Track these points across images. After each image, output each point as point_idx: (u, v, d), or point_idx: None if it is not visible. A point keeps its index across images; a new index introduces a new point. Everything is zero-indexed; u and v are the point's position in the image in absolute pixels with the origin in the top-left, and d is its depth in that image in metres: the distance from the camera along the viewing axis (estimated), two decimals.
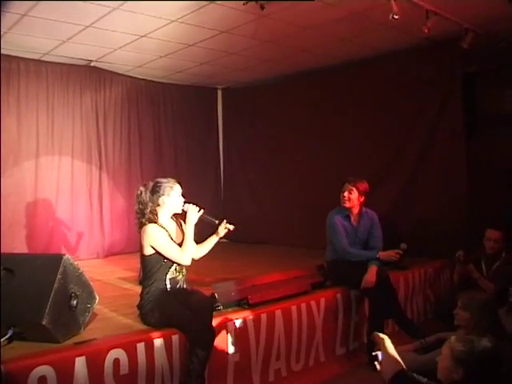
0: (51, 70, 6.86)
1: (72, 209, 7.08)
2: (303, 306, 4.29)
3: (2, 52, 5.89)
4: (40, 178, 6.78)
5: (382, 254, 4.57)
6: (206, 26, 5.53)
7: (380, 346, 2.53)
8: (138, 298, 3.62)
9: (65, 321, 3.18)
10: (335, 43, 6.21)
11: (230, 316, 3.77)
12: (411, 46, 6.18)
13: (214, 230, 3.85)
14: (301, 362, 4.25)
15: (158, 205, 3.58)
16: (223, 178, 9.25)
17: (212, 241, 3.86)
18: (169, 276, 3.56)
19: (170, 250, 3.51)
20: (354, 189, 4.70)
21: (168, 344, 3.35)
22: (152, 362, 3.25)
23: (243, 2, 4.77)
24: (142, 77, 7.85)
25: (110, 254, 7.34)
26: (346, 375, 4.36)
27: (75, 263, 3.40)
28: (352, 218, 4.80)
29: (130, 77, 7.74)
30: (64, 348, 3.05)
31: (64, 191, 7.01)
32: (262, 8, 4.83)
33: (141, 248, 3.55)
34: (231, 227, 3.83)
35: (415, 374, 2.37)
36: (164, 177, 3.75)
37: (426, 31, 5.06)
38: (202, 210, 3.65)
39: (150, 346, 3.26)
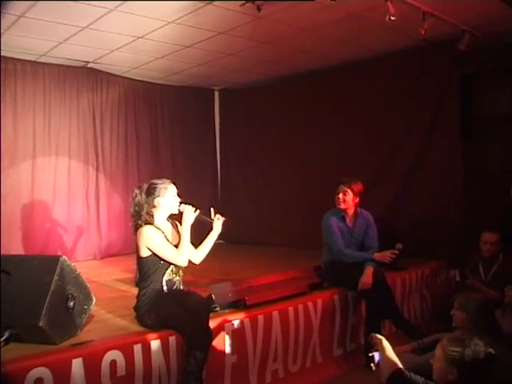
0: (48, 71, 6.86)
1: (69, 210, 7.07)
2: (300, 307, 4.29)
3: None
4: (37, 179, 6.77)
5: (377, 255, 4.58)
6: (203, 28, 5.54)
7: (378, 346, 2.54)
8: (135, 300, 3.62)
9: (62, 322, 3.17)
10: (333, 44, 6.22)
11: (227, 317, 3.77)
12: (408, 48, 6.20)
13: (210, 230, 3.84)
14: (298, 363, 4.25)
15: (154, 206, 3.58)
16: (220, 179, 9.26)
17: (210, 240, 3.83)
18: (165, 278, 3.56)
19: (166, 251, 3.51)
20: (349, 190, 4.71)
21: (165, 345, 3.35)
22: (149, 363, 3.25)
23: (240, 3, 4.77)
24: (138, 78, 7.85)
25: (107, 255, 7.33)
26: (343, 376, 4.36)
27: (72, 264, 3.40)
28: (347, 219, 4.81)
29: (127, 78, 7.74)
30: (61, 349, 3.04)
31: (61, 192, 7.00)
32: (259, 9, 4.84)
33: (137, 250, 3.55)
34: (220, 218, 3.79)
35: (412, 374, 2.38)
36: (161, 178, 3.75)
37: (423, 32, 5.07)
38: (198, 211, 3.64)
39: (146, 348, 3.26)
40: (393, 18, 4.64)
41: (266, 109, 8.41)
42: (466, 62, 6.16)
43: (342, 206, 4.74)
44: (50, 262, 3.25)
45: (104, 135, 7.48)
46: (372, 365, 2.52)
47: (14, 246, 6.39)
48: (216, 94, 9.18)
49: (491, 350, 2.23)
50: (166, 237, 3.56)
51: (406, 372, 2.39)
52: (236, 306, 3.99)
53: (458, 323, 3.33)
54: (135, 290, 3.76)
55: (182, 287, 3.70)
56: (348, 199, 4.72)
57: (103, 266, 6.65)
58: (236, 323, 3.78)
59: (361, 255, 4.69)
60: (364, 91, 6.96)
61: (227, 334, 3.70)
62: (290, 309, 4.21)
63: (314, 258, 5.46)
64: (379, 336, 2.60)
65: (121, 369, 3.10)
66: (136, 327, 3.53)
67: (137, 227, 3.53)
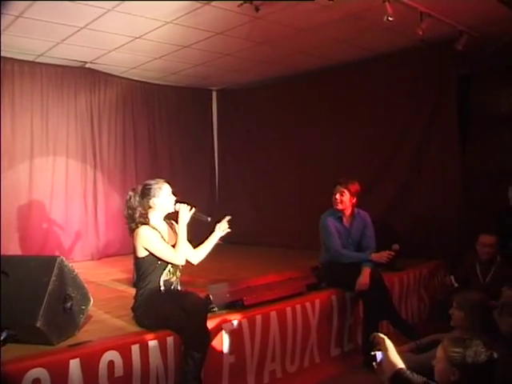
0: (46, 71, 6.86)
1: (66, 210, 7.07)
2: (298, 307, 4.29)
3: None
4: (34, 179, 6.77)
5: (374, 256, 4.58)
6: (200, 28, 5.54)
7: (380, 346, 2.54)
8: (133, 300, 3.61)
9: (59, 323, 3.17)
10: (331, 45, 6.23)
11: (225, 317, 3.76)
12: (406, 48, 6.21)
13: (211, 232, 3.84)
14: (296, 364, 4.25)
15: (150, 207, 3.58)
16: (218, 179, 9.26)
17: (210, 242, 3.82)
18: (163, 278, 3.55)
19: (163, 251, 3.51)
20: (346, 191, 4.71)
21: (163, 346, 3.34)
22: (147, 363, 3.24)
23: (238, 3, 4.77)
24: (136, 78, 7.85)
25: (105, 255, 7.32)
26: (341, 376, 4.36)
27: (70, 265, 3.39)
28: (344, 220, 4.81)
29: (125, 78, 7.74)
30: (58, 350, 3.03)
31: (58, 193, 7.00)
32: (257, 10, 4.84)
33: (134, 250, 3.55)
34: (225, 226, 3.81)
35: (414, 374, 2.37)
36: (158, 178, 3.76)
37: (421, 33, 5.08)
38: (194, 209, 3.64)
39: (144, 348, 3.25)
40: (390, 19, 4.65)
41: (264, 109, 8.42)
42: (463, 62, 6.17)
43: (339, 206, 4.74)
44: (48, 263, 3.24)
45: (102, 135, 7.48)
46: (374, 364, 2.51)
47: (12, 247, 6.39)
48: (214, 94, 9.18)
49: (492, 350, 2.23)
50: (162, 237, 3.56)
51: (408, 372, 2.39)
52: (234, 306, 3.98)
53: (456, 322, 3.33)
54: (133, 291, 3.76)
55: (179, 287, 3.69)
56: (345, 200, 4.72)
57: (101, 267, 6.64)
58: (234, 323, 3.78)
59: (358, 256, 4.69)
60: (362, 91, 6.97)
61: (225, 334, 3.70)
62: (288, 309, 4.21)
63: (311, 258, 5.47)
64: (382, 335, 2.59)
65: (118, 369, 3.10)
66: (134, 328, 3.52)
67: (131, 230, 3.54)
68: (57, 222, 6.95)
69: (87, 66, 7.07)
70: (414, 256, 5.94)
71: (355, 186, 4.75)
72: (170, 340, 3.37)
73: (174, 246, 3.57)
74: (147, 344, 3.28)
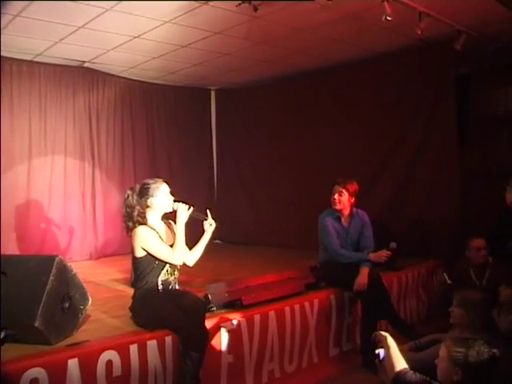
0: (44, 70, 6.85)
1: (65, 210, 7.06)
2: (297, 307, 4.30)
3: None
4: (32, 179, 6.76)
5: (372, 255, 4.59)
6: (199, 27, 5.54)
7: (383, 343, 2.54)
8: (131, 300, 3.62)
9: (57, 322, 3.17)
10: (329, 44, 6.23)
11: (224, 317, 3.77)
12: (405, 48, 6.21)
13: (202, 232, 3.83)
14: (294, 363, 4.26)
15: (148, 207, 3.58)
16: (217, 179, 9.26)
17: (202, 243, 3.81)
18: (161, 278, 3.56)
19: (161, 251, 3.51)
20: (344, 190, 4.71)
21: (161, 345, 3.35)
22: (145, 363, 3.25)
23: (237, 3, 4.77)
24: (135, 78, 7.84)
25: (103, 255, 7.32)
26: (339, 376, 4.36)
27: (68, 264, 3.40)
28: (343, 220, 4.82)
29: (124, 78, 7.73)
30: (56, 350, 3.04)
31: (57, 192, 6.99)
32: (256, 9, 4.84)
33: (132, 250, 3.56)
34: (210, 221, 3.77)
35: (417, 374, 2.38)
36: (157, 177, 3.76)
37: (419, 33, 5.08)
38: (192, 208, 3.64)
39: (142, 348, 3.26)
40: (389, 18, 4.65)
41: (262, 109, 8.42)
42: (462, 62, 6.18)
43: (338, 206, 4.75)
44: (46, 262, 3.24)
45: (100, 135, 7.47)
46: (377, 361, 2.52)
47: (10, 246, 6.38)
48: (212, 93, 9.18)
49: (495, 350, 2.23)
50: (160, 237, 3.57)
51: (411, 372, 2.39)
52: (232, 305, 3.99)
53: (455, 320, 3.35)
54: (131, 290, 3.76)
55: (177, 287, 3.70)
56: (343, 200, 4.72)
57: (99, 266, 6.65)
58: (232, 323, 3.78)
59: (356, 255, 4.70)
60: (360, 91, 6.98)
61: (223, 333, 3.71)
62: (287, 309, 4.22)
63: (310, 258, 5.47)
64: (384, 333, 2.59)
65: (117, 369, 3.10)
66: (132, 327, 3.53)
67: (128, 229, 3.54)
68: (55, 222, 6.95)
69: (85, 65, 7.06)
70: (413, 256, 5.94)
71: (354, 186, 4.75)
72: (168, 340, 3.38)
73: (171, 246, 3.57)
74: (145, 344, 3.28)
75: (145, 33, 5.66)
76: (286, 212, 7.99)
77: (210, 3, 4.84)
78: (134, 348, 3.21)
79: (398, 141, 6.66)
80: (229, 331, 3.74)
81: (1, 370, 2.60)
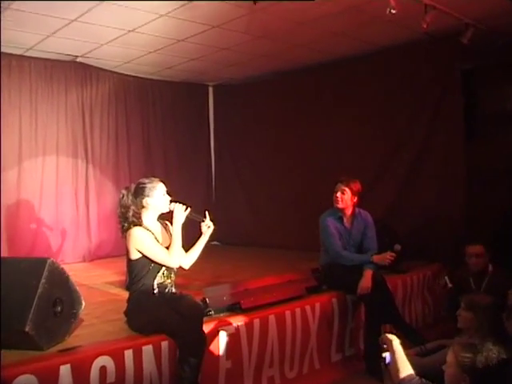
0: (35, 65, 6.83)
1: (57, 210, 7.05)
2: (298, 310, 4.29)
3: None
4: (23, 178, 6.75)
5: (376, 257, 4.58)
6: (196, 21, 5.53)
7: (388, 347, 2.53)
8: (126, 304, 3.61)
9: (49, 327, 3.16)
10: (331, 38, 6.22)
11: (222, 321, 3.77)
12: (409, 42, 6.20)
13: (200, 234, 3.82)
14: (295, 369, 4.25)
15: (143, 207, 3.58)
16: (214, 178, 9.26)
17: (199, 245, 3.80)
18: (157, 281, 3.55)
19: (156, 253, 3.51)
20: (347, 189, 4.70)
21: (157, 351, 3.34)
22: (140, 369, 3.24)
23: None
24: (130, 73, 7.83)
25: (97, 257, 7.31)
26: (342, 383, 4.36)
27: (60, 267, 3.39)
28: (345, 220, 4.81)
29: (118, 73, 7.72)
30: (48, 356, 3.03)
31: (48, 192, 6.98)
32: (255, 2, 4.83)
33: (127, 252, 3.55)
34: (208, 223, 3.75)
35: (423, 380, 2.37)
36: (153, 176, 3.76)
37: (425, 26, 5.06)
38: (189, 209, 3.63)
39: (138, 353, 3.25)
40: (393, 11, 4.64)
41: (262, 105, 8.41)
42: (469, 56, 6.16)
43: (340, 205, 4.73)
44: (37, 265, 3.23)
45: (94, 133, 7.46)
46: (382, 366, 2.51)
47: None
48: (210, 89, 9.18)
49: (504, 355, 2.22)
50: (156, 238, 3.56)
51: (417, 378, 2.38)
52: (231, 309, 3.99)
53: (463, 324, 3.34)
54: (126, 294, 3.76)
55: (174, 290, 3.69)
56: (346, 198, 4.71)
57: (93, 269, 6.64)
58: (231, 328, 3.78)
59: (359, 257, 4.69)
60: (363, 87, 6.97)
61: (222, 338, 3.70)
62: (287, 313, 4.21)
63: (311, 260, 5.47)
64: (390, 336, 2.58)
65: (111, 375, 3.09)
66: (127, 332, 3.52)
67: (123, 230, 3.53)
68: (46, 222, 6.93)
69: (78, 60, 7.05)
70: (418, 258, 5.93)
71: (357, 185, 4.74)
72: (164, 345, 3.37)
73: (167, 248, 3.56)
74: (141, 349, 3.28)
75: (140, 26, 5.66)
76: (287, 212, 7.99)
77: None
78: (128, 353, 3.21)
79: (402, 138, 6.65)
80: (226, 336, 3.73)
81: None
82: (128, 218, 3.51)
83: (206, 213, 3.76)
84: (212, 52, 6.77)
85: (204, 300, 3.85)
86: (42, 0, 4.68)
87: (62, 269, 3.41)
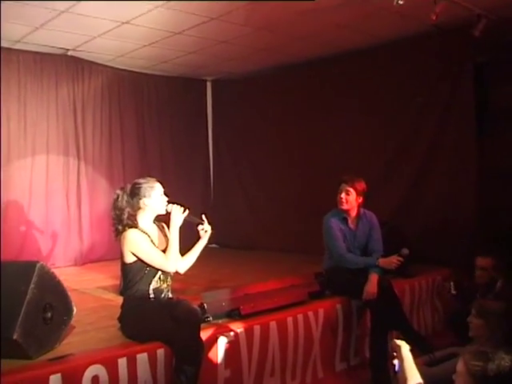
0: (23, 59, 6.82)
1: (47, 211, 7.04)
2: (300, 317, 4.29)
3: None
4: (11, 178, 6.74)
5: (382, 261, 4.56)
6: (194, 13, 5.52)
7: (397, 354, 2.52)
8: (119, 310, 3.60)
9: (38, 335, 3.15)
10: (334, 31, 6.21)
11: (221, 328, 3.76)
12: (417, 35, 6.19)
13: (198, 238, 3.81)
14: (297, 379, 4.25)
15: (140, 208, 3.57)
16: (213, 177, 9.28)
17: (197, 250, 3.80)
18: (152, 286, 3.55)
19: (153, 256, 3.50)
20: (352, 189, 4.68)
21: (152, 359, 3.33)
22: (134, 378, 3.24)
23: None
24: (124, 67, 7.84)
25: (89, 260, 7.30)
26: None
27: (50, 271, 3.38)
28: (350, 221, 4.79)
29: (111, 67, 7.73)
30: (37, 365, 3.02)
31: (38, 192, 6.97)
32: None
33: (121, 255, 3.54)
34: (206, 227, 3.75)
35: None
36: (149, 175, 3.75)
37: (434, 18, 5.04)
38: (187, 211, 3.62)
39: (132, 362, 3.24)
40: (401, 2, 4.64)
41: (262, 101, 8.41)
42: (481, 49, 6.14)
43: (345, 206, 4.72)
44: (26, 269, 3.22)
45: (86, 129, 7.46)
46: (391, 373, 2.50)
47: None
48: (208, 84, 9.19)
49: None
50: (152, 241, 3.55)
51: None
52: (230, 315, 3.99)
53: (474, 332, 3.33)
54: (120, 299, 3.76)
55: (170, 295, 3.69)
56: (351, 199, 4.69)
57: (85, 273, 6.64)
58: (230, 335, 3.76)
59: (364, 260, 4.68)
60: (368, 82, 6.96)
61: (220, 346, 3.69)
62: (289, 319, 4.20)
63: (314, 263, 5.46)
64: (399, 342, 2.57)
65: None
66: (120, 339, 3.52)
67: (117, 232, 3.52)
68: (36, 224, 6.92)
69: (69, 53, 7.05)
70: (426, 261, 5.91)
71: (361, 185, 4.72)
72: (160, 353, 3.37)
73: (164, 251, 3.55)
74: (135, 357, 3.27)
75: (135, 18, 5.65)
76: (288, 213, 7.98)
77: None
78: (122, 362, 3.20)
79: (410, 136, 6.64)
80: (225, 344, 3.72)
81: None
82: (123, 221, 3.50)
83: (204, 216, 3.76)
84: (210, 45, 6.76)
85: (202, 305, 3.84)
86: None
87: (53, 273, 3.40)
